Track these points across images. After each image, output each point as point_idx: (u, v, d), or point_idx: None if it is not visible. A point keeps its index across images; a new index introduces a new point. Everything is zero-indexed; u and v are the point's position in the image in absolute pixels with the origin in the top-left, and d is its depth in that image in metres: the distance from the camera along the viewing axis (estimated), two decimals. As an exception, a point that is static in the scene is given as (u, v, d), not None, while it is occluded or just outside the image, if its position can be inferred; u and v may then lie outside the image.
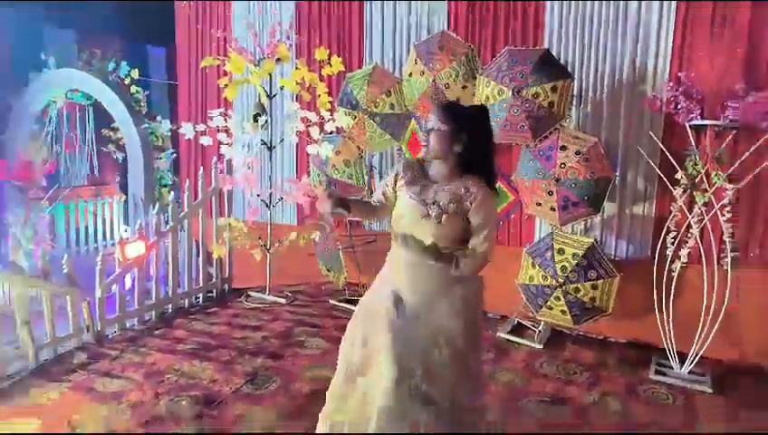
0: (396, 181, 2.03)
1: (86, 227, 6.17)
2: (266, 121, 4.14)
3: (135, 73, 5.42)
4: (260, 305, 4.24)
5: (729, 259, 2.95)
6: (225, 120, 4.11)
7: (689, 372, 3.08)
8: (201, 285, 4.33)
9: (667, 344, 3.14)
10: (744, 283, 3.07)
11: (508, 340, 3.58)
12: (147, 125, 5.46)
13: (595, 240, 3.35)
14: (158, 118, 5.68)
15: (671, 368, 3.14)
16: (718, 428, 2.63)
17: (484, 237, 1.92)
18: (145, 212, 5.15)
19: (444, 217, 1.88)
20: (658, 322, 3.15)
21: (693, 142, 3.00)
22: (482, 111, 1.96)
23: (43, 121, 5.86)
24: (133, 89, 5.44)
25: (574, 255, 3.29)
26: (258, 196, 4.39)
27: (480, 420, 2.09)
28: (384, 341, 1.91)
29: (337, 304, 4.24)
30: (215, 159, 4.39)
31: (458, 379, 1.94)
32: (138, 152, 5.40)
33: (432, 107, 1.97)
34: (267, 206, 4.38)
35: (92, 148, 6.27)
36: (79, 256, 5.86)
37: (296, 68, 4.12)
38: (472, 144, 1.89)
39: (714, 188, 2.96)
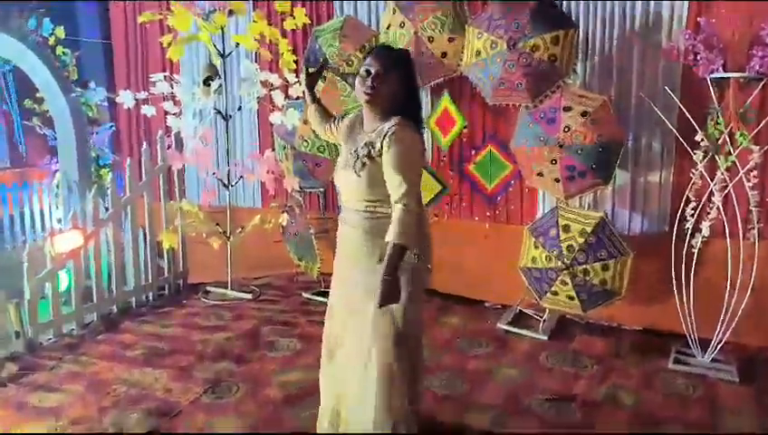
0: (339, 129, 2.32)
1: (11, 217, 6.07)
2: (220, 86, 4.09)
3: (60, 32, 5.27)
4: (221, 302, 4.25)
5: (756, 231, 3.02)
6: (171, 85, 4.06)
7: (712, 360, 3.17)
8: (150, 280, 4.31)
9: (688, 330, 3.22)
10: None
11: (509, 331, 3.65)
12: (78, 93, 5.34)
13: (605, 214, 3.41)
14: (92, 84, 5.56)
15: (692, 356, 3.23)
16: (744, 420, 2.71)
17: (400, 183, 1.93)
18: (81, 197, 5.08)
19: (358, 165, 2.02)
20: (678, 305, 3.23)
21: (714, 99, 3.03)
22: (407, 53, 2.16)
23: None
24: (59, 50, 5.30)
25: (582, 232, 3.34)
26: (214, 174, 4.36)
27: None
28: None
29: (311, 297, 4.27)
30: (161, 132, 4.36)
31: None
32: (68, 126, 5.28)
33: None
34: (225, 186, 4.36)
35: (13, 123, 6.13)
36: (3, 252, 5.77)
37: (253, 21, 4.06)
38: (401, 86, 2.05)
39: (738, 150, 3.01)
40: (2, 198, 5.97)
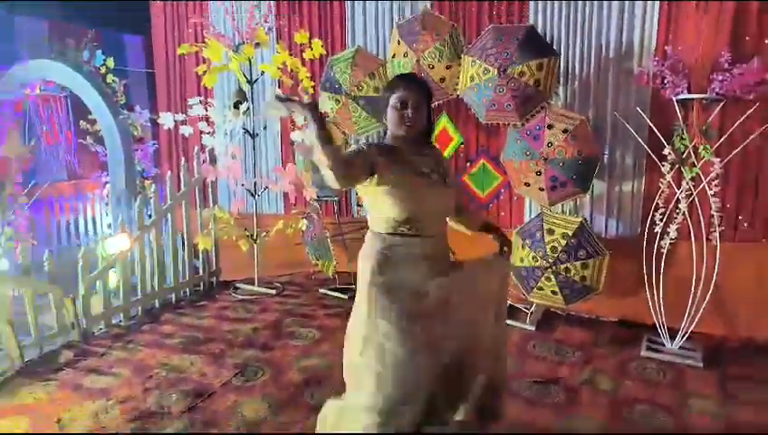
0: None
1: (68, 224, 6.19)
2: (248, 109, 4.17)
3: (110, 62, 5.38)
4: (249, 297, 4.29)
5: (718, 233, 3.04)
6: (206, 108, 4.14)
7: (680, 348, 3.18)
8: (188, 278, 4.37)
9: (658, 321, 3.24)
10: (734, 256, 3.16)
11: (500, 323, 3.66)
12: (125, 115, 5.44)
13: (584, 219, 3.43)
14: (137, 108, 5.66)
15: (662, 344, 3.24)
16: (709, 402, 2.72)
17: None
18: (127, 205, 5.17)
19: (450, 180, 2.03)
20: (649, 299, 3.25)
21: (680, 117, 3.05)
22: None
23: (17, 116, 5.83)
24: (109, 78, 5.41)
25: (564, 235, 3.37)
26: (243, 185, 4.42)
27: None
28: None
29: (327, 292, 4.30)
30: (196, 148, 4.42)
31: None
32: (117, 144, 5.37)
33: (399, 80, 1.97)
34: (252, 195, 4.41)
35: (70, 141, 6.26)
36: (61, 254, 5.88)
37: (276, 52, 4.14)
38: (429, 110, 1.98)
39: (701, 163, 3.03)
40: (60, 207, 6.10)
